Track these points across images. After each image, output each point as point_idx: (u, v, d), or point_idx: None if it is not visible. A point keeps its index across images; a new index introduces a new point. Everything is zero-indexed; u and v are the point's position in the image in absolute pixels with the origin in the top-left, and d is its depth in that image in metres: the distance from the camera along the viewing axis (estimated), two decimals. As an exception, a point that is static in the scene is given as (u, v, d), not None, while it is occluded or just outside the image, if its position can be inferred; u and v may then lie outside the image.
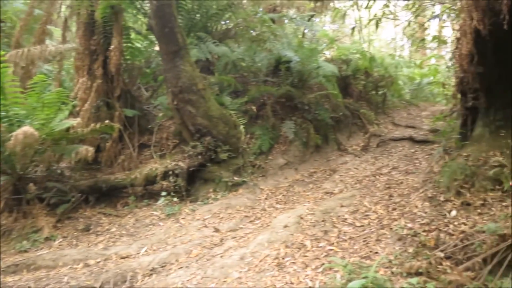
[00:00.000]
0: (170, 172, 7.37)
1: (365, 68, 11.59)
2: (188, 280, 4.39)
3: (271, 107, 9.29)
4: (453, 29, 9.50)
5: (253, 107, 9.18)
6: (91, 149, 6.69)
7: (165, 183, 7.52)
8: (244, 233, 5.68)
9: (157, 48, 8.99)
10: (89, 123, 7.16)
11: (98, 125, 6.90)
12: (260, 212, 6.55)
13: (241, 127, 8.10)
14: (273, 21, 11.66)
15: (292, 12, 13.60)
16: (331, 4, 14.20)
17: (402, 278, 3.74)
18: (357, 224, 5.30)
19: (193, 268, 4.68)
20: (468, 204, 4.84)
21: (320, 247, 4.77)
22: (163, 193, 7.23)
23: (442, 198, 5.15)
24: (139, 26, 10.91)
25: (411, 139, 9.23)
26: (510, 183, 4.75)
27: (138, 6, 9.80)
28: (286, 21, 13.14)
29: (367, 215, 5.55)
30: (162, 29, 7.53)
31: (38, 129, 5.98)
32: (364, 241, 4.78)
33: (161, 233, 6.05)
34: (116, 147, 8.16)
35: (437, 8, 11.52)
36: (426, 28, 13.74)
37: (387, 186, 6.65)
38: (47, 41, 9.31)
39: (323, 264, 4.29)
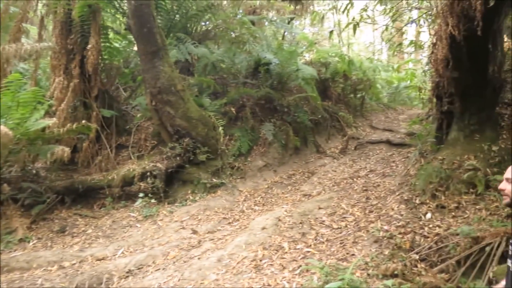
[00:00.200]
0: (148, 173, 7.30)
1: (343, 71, 11.71)
2: (165, 282, 4.35)
3: (250, 109, 9.33)
4: (430, 34, 9.67)
5: (233, 109, 9.17)
6: (67, 150, 6.60)
7: (142, 184, 7.47)
8: (222, 235, 5.68)
9: (136, 48, 8.91)
10: (66, 123, 7.06)
11: (74, 125, 6.80)
12: (239, 214, 6.55)
13: (220, 128, 8.10)
14: (253, 23, 11.71)
15: (272, 14, 13.67)
16: (311, 7, 14.31)
17: (378, 280, 3.79)
18: (335, 226, 5.35)
19: (170, 270, 4.64)
20: (443, 207, 4.95)
21: (298, 249, 4.80)
22: (141, 195, 7.15)
23: (417, 201, 5.25)
24: (118, 26, 10.79)
25: (388, 142, 9.36)
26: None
27: (117, 5, 9.69)
28: (266, 23, 13.21)
29: (344, 217, 5.61)
30: (140, 29, 7.46)
31: (12, 129, 5.88)
32: (341, 243, 4.82)
33: (138, 234, 5.99)
34: (93, 147, 8.08)
35: (414, 13, 11.74)
36: (403, 33, 13.98)
37: (364, 188, 6.72)
38: (23, 39, 9.13)
39: (300, 266, 4.32)
